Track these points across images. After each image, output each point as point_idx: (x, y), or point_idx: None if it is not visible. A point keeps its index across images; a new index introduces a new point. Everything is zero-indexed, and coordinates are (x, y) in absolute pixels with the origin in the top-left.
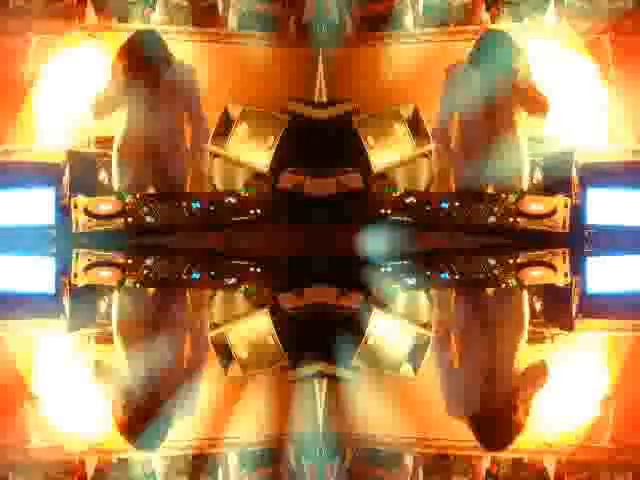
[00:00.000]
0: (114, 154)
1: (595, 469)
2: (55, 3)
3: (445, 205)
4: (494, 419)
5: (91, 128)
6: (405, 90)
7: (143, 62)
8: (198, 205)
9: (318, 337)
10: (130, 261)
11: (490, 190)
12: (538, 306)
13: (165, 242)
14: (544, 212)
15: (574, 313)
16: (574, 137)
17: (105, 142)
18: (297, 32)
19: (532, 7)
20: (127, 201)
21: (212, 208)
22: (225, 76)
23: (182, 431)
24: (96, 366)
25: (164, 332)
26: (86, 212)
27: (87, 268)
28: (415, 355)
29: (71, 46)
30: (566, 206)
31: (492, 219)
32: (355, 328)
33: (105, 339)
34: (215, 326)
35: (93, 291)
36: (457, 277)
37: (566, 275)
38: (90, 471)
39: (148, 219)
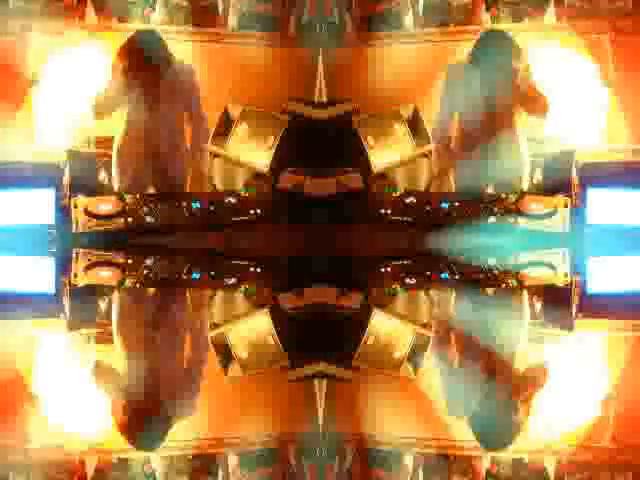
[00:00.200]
0: (114, 154)
1: (595, 469)
2: (55, 3)
3: (445, 205)
4: (494, 419)
5: (91, 128)
6: (405, 90)
7: (143, 62)
8: (198, 205)
9: (318, 337)
10: (130, 261)
11: (490, 190)
12: (538, 306)
13: (165, 242)
14: (544, 212)
15: (574, 313)
16: (574, 137)
17: (105, 142)
18: (297, 32)
19: (532, 7)
20: (127, 201)
21: (212, 208)
22: (225, 76)
23: (182, 431)
24: (96, 366)
25: (164, 332)
26: (86, 212)
27: (87, 268)
28: (415, 355)
29: (71, 46)
30: (566, 206)
31: (492, 219)
32: (355, 328)
33: (105, 339)
34: (215, 326)
35: (93, 291)
36: (457, 277)
37: (566, 275)
38: (90, 471)
39: (148, 219)
